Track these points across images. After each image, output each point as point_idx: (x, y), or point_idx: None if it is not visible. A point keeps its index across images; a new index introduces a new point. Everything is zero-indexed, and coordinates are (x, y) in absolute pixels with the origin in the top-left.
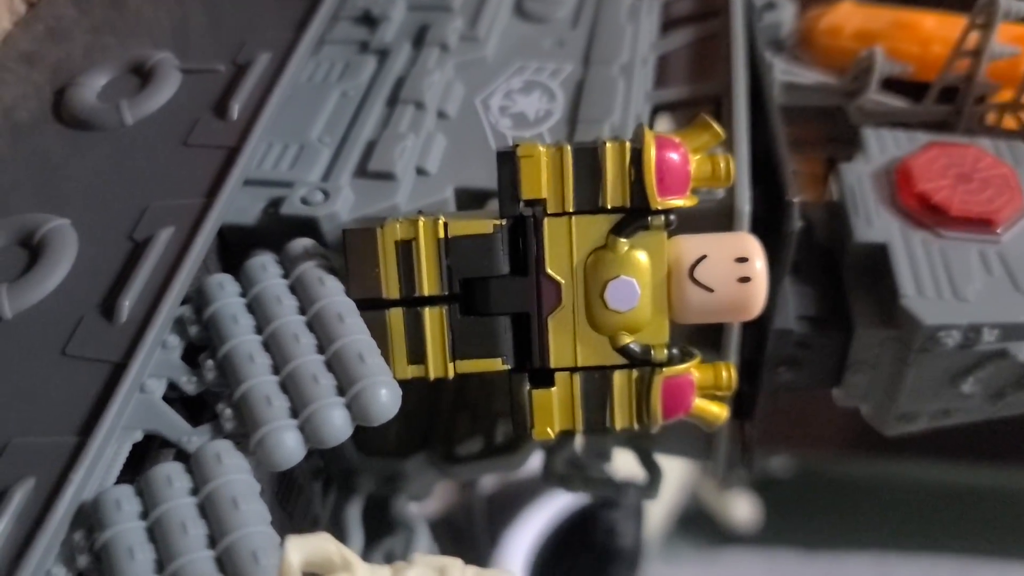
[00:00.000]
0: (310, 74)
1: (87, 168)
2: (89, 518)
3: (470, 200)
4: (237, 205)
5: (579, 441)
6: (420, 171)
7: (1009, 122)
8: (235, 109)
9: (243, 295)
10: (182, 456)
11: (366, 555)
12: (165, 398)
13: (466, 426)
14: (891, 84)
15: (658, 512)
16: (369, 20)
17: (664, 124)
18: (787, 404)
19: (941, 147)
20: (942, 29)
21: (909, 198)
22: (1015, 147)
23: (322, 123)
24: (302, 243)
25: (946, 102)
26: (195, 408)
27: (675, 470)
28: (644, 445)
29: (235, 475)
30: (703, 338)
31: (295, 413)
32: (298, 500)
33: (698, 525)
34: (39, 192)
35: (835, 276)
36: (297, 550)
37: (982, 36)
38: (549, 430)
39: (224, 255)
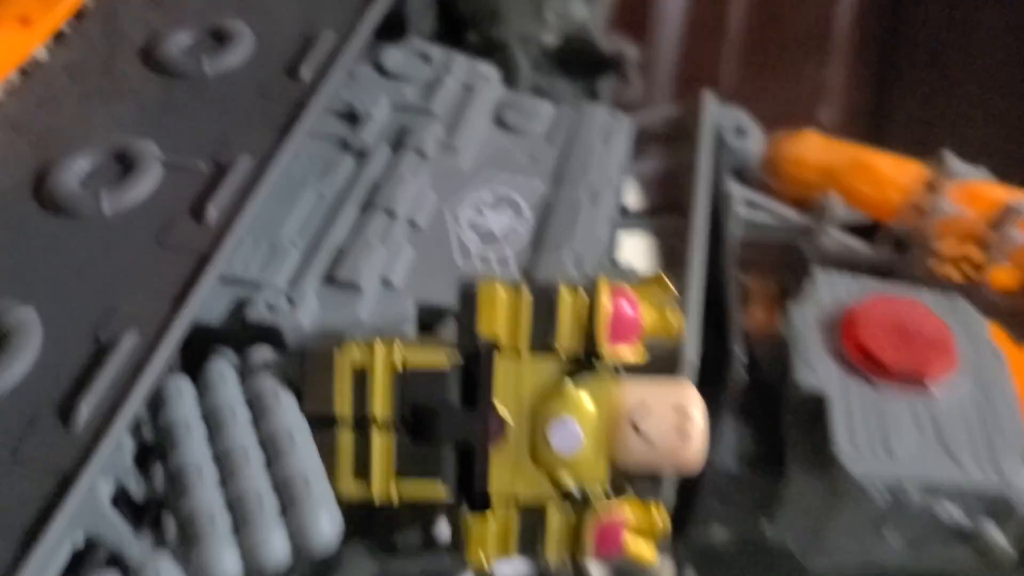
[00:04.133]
0: (288, 167)
1: (59, 256)
2: None
3: (429, 315)
4: (203, 302)
5: None
6: (385, 283)
7: (952, 273)
8: (212, 214)
9: (199, 397)
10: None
11: None
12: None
13: (407, 517)
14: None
15: None
16: (352, 117)
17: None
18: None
19: (885, 300)
20: (897, 173)
21: (851, 347)
22: (954, 301)
23: (295, 223)
24: (263, 354)
25: (896, 246)
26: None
27: None
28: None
29: None
30: None
31: (237, 529)
32: None
33: None
34: (7, 273)
35: (774, 412)
36: None
37: (931, 198)
38: (484, 558)
39: (185, 347)
